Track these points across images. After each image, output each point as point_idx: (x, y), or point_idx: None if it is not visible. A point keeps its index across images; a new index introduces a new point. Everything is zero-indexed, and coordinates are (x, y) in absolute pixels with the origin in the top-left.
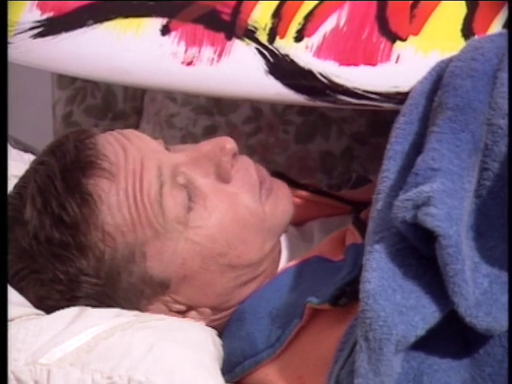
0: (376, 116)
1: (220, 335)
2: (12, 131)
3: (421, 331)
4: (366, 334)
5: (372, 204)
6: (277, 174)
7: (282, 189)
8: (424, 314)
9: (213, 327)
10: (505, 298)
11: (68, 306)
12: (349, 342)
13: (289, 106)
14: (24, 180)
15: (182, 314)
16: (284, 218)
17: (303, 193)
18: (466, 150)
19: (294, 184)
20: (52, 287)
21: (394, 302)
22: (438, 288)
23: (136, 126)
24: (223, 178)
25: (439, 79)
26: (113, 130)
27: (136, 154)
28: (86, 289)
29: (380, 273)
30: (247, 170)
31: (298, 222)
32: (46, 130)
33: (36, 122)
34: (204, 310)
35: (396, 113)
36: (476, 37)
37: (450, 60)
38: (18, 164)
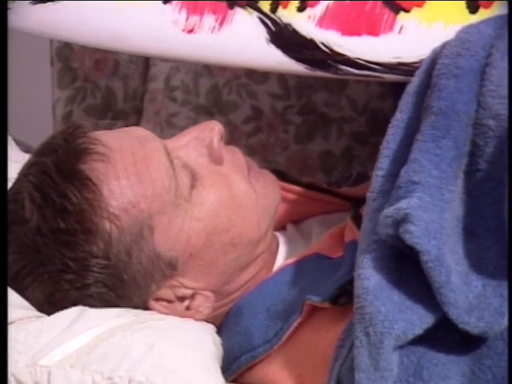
0: (376, 116)
1: (219, 332)
2: (12, 131)
3: (418, 330)
4: (367, 330)
5: (366, 202)
6: (276, 173)
7: (268, 176)
8: (420, 315)
9: (214, 319)
10: (497, 302)
11: (77, 297)
12: (348, 338)
13: (289, 106)
14: (16, 186)
15: (188, 299)
16: (275, 198)
17: (302, 190)
18: (447, 158)
19: (293, 181)
20: (60, 278)
21: (393, 301)
22: (431, 291)
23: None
24: (215, 158)
25: (431, 73)
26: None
27: (131, 138)
28: (96, 273)
29: (378, 271)
30: (235, 154)
31: (297, 220)
32: (46, 130)
33: (36, 122)
34: (208, 293)
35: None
36: (465, 27)
37: (441, 49)
38: (19, 165)
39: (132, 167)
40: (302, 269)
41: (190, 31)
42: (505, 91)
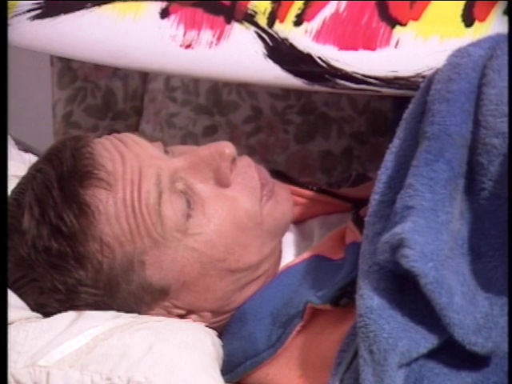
0: (376, 116)
1: (219, 336)
2: (12, 131)
3: (423, 349)
4: (370, 348)
5: (365, 225)
6: (276, 173)
7: (282, 192)
8: (425, 335)
9: (213, 329)
10: (504, 321)
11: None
12: (352, 343)
13: (289, 106)
14: (22, 186)
15: (182, 317)
16: (283, 220)
17: (303, 191)
18: (442, 181)
19: (293, 182)
20: (51, 296)
21: (397, 320)
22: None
23: (136, 126)
24: (222, 183)
25: (427, 95)
26: (111, 131)
27: (134, 161)
28: (85, 299)
29: (381, 292)
30: (247, 172)
31: (298, 221)
32: (46, 130)
33: (36, 122)
34: (204, 313)
35: (396, 112)
36: (455, 50)
37: (433, 76)
38: (18, 164)
39: (130, 197)
40: (303, 271)
41: (188, 46)
42: (506, 109)
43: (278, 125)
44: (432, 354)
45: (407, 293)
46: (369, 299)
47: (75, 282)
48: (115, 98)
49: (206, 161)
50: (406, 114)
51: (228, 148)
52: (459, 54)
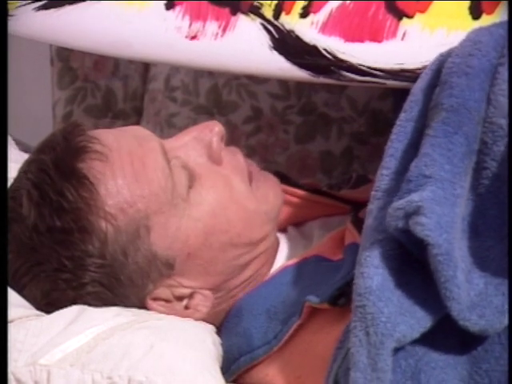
0: (376, 116)
1: (218, 333)
2: (12, 131)
3: (416, 334)
4: (367, 329)
5: (370, 200)
6: (277, 174)
7: (270, 179)
8: (418, 318)
9: (213, 318)
10: (498, 300)
11: (74, 296)
12: (347, 340)
13: (289, 106)
14: (16, 183)
15: (187, 298)
16: (277, 202)
17: (303, 193)
18: (459, 154)
19: (293, 184)
20: (57, 277)
21: (393, 303)
22: (432, 292)
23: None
24: (215, 158)
25: (439, 73)
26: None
27: (129, 137)
28: (92, 272)
29: (381, 271)
30: (235, 155)
31: (298, 223)
32: (46, 130)
33: (36, 122)
34: (207, 293)
35: (396, 112)
36: (476, 27)
37: (448, 54)
38: (18, 165)
39: (129, 166)
40: (301, 270)
41: (193, 37)
42: None
43: (278, 125)
44: (428, 348)
45: (405, 272)
46: (368, 278)
47: (82, 254)
48: (115, 98)
49: (198, 137)
50: (414, 88)
51: (217, 125)
52: (480, 32)
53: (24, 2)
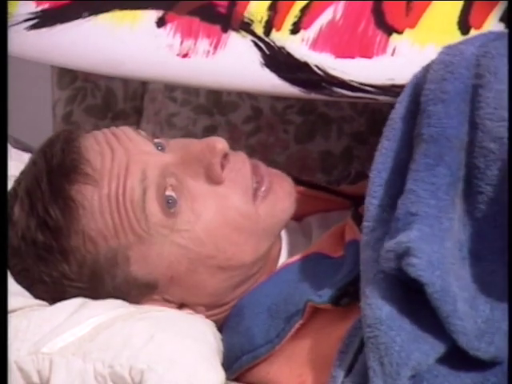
0: (376, 116)
1: (220, 330)
2: (12, 131)
3: (431, 360)
4: (381, 360)
5: (364, 231)
6: None
7: (284, 186)
8: (433, 344)
9: (212, 321)
10: (506, 325)
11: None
12: (352, 345)
13: (289, 106)
14: (20, 176)
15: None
16: (282, 217)
17: (302, 188)
18: (443, 186)
19: (293, 180)
20: (39, 287)
21: (406, 330)
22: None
23: (136, 126)
24: (213, 180)
25: (415, 97)
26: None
27: (122, 156)
28: (71, 291)
29: (388, 301)
30: (240, 170)
31: (296, 218)
32: (46, 130)
33: (36, 122)
34: (197, 307)
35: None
36: (445, 48)
37: (422, 74)
38: (18, 164)
39: (115, 193)
40: (303, 268)
41: (185, 55)
42: (504, 113)
43: (278, 125)
44: None
45: (412, 300)
46: (377, 309)
47: (59, 275)
48: (115, 98)
49: (197, 157)
50: (394, 114)
51: (219, 143)
52: (450, 51)
53: (15, 22)
